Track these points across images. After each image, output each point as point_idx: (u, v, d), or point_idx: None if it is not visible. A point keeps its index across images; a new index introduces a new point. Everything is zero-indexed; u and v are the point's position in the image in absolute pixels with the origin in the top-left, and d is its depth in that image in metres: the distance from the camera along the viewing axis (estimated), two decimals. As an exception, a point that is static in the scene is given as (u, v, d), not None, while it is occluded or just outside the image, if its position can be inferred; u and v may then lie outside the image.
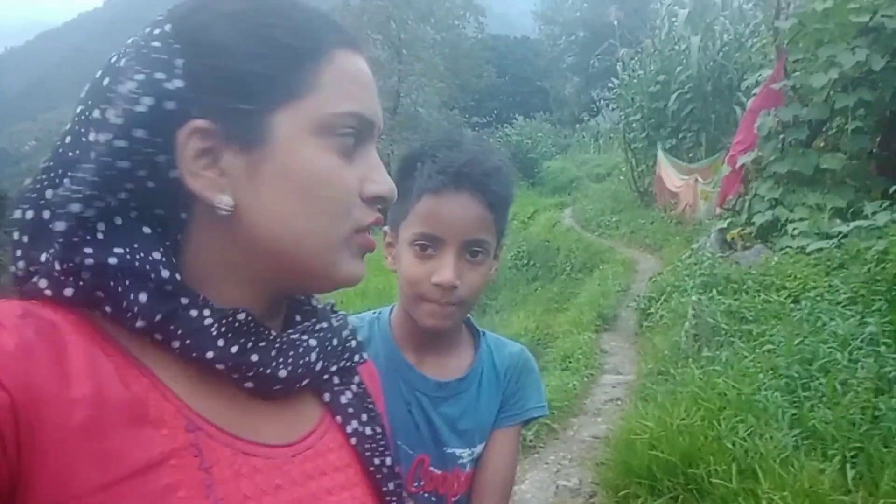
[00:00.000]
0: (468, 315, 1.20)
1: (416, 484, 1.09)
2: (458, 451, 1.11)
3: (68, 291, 0.53)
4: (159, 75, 0.55)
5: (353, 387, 0.72)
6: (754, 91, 8.27)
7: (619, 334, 7.07)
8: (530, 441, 4.20)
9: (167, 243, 0.58)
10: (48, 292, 0.53)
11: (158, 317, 0.55)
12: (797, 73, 7.06)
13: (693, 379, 3.96)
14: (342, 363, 0.70)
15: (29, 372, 0.47)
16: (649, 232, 11.87)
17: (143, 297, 0.54)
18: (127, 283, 0.54)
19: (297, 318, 0.71)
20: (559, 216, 15.85)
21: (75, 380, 0.49)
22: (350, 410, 0.70)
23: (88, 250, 0.53)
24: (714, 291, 5.65)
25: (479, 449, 1.13)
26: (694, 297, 5.54)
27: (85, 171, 0.54)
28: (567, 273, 11.52)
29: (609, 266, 10.05)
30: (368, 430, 0.70)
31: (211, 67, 0.57)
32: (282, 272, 0.62)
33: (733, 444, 3.07)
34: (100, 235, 0.54)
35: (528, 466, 3.92)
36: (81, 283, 0.53)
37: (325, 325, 0.68)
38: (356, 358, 0.72)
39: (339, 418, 0.69)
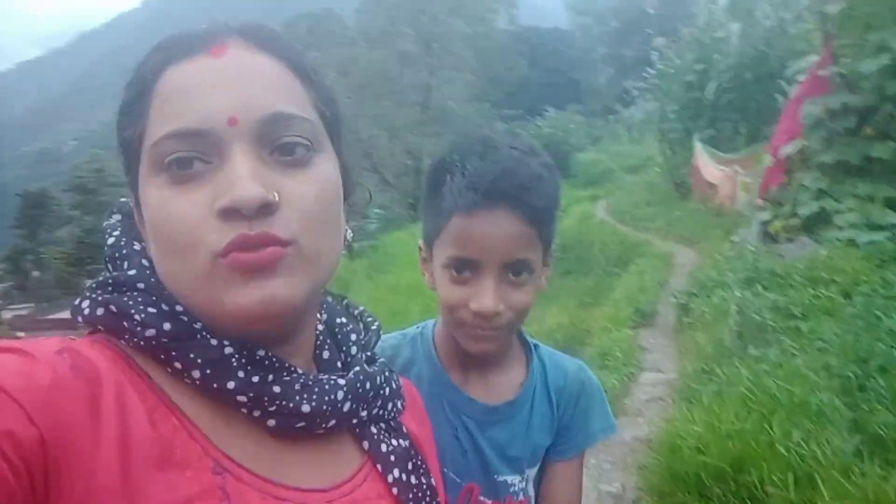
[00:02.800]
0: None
1: None
2: (509, 479, 1.01)
3: (99, 311, 0.57)
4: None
5: (400, 440, 0.69)
6: (798, 79, 7.97)
7: (658, 330, 6.86)
8: (569, 443, 4.06)
9: None
10: (86, 311, 0.58)
11: (167, 325, 0.56)
12: (845, 60, 6.77)
13: (741, 379, 3.78)
14: (375, 410, 0.67)
15: (61, 408, 0.47)
16: (686, 224, 11.61)
17: (151, 309, 0.56)
18: (139, 298, 0.57)
19: (325, 355, 0.68)
20: (592, 209, 15.60)
21: (104, 418, 0.49)
22: (392, 459, 0.67)
23: (112, 273, 0.60)
24: (758, 286, 5.44)
25: (529, 473, 1.03)
26: (737, 292, 5.34)
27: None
28: (602, 267, 11.29)
29: (645, 260, 9.82)
30: (413, 479, 0.67)
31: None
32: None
33: (787, 450, 2.90)
34: (125, 263, 0.61)
35: (567, 469, 3.79)
36: (101, 298, 0.57)
37: (357, 368, 0.66)
38: (389, 406, 0.69)
39: (379, 466, 0.66)
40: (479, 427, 1.01)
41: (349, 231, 0.68)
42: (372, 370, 0.68)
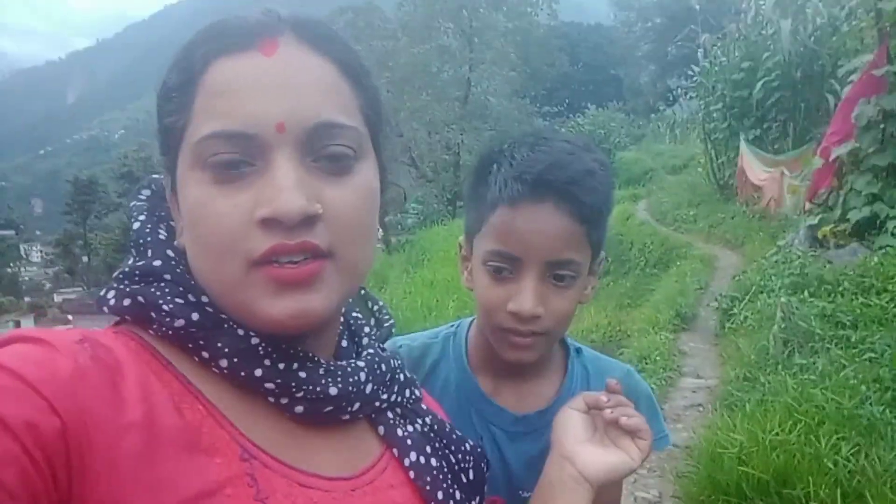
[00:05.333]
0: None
1: None
2: None
3: (126, 301, 0.57)
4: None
5: (417, 424, 0.69)
6: (851, 78, 7.71)
7: (699, 335, 6.73)
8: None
9: None
10: (112, 301, 0.57)
11: (195, 316, 0.56)
12: (902, 59, 6.53)
13: (786, 388, 3.68)
14: (393, 396, 0.67)
15: (82, 397, 0.47)
16: (730, 227, 11.35)
17: (179, 300, 0.56)
18: (166, 289, 0.57)
19: (343, 344, 0.69)
20: (633, 209, 15.36)
21: (128, 405, 0.49)
22: (408, 443, 0.66)
23: (140, 261, 0.60)
24: (805, 293, 5.29)
25: None
26: (783, 298, 5.20)
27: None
28: (641, 268, 11.14)
29: (687, 262, 9.64)
30: (434, 462, 0.66)
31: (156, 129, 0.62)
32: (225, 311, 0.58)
33: (835, 465, 2.81)
34: (149, 251, 0.60)
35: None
36: (129, 288, 0.57)
37: (371, 351, 0.67)
38: (407, 393, 0.70)
39: (395, 451, 0.65)
40: (509, 438, 0.95)
41: (380, 230, 0.69)
42: (385, 354, 0.69)
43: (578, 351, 1.03)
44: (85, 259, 49.06)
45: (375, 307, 0.77)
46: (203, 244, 0.56)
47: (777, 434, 3.12)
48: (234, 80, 0.55)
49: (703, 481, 3.16)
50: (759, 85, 12.17)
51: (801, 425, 3.15)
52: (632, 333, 6.93)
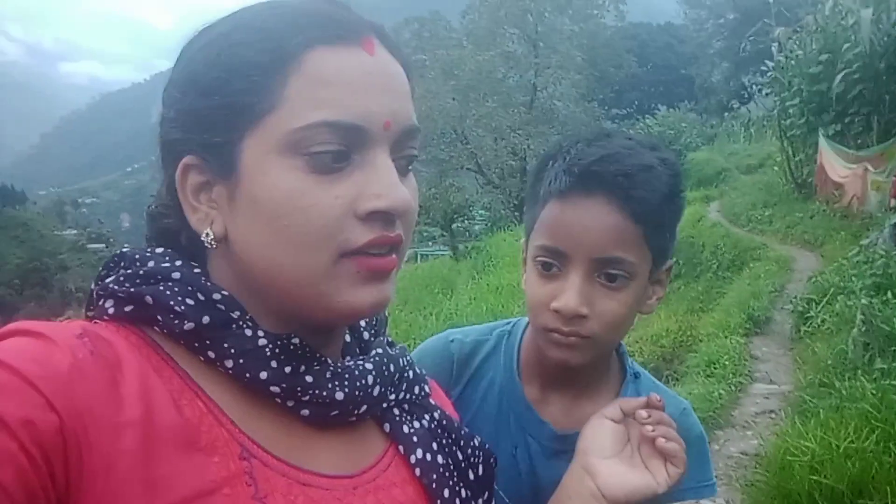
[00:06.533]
0: (621, 350, 0.97)
1: None
2: None
3: (128, 308, 0.56)
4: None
5: (424, 420, 0.67)
6: (939, 66, 7.25)
7: (773, 339, 6.45)
8: (670, 453, 3.89)
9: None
10: (111, 311, 0.56)
11: (206, 318, 0.55)
12: None
13: (864, 394, 3.49)
14: (401, 395, 0.66)
15: (81, 394, 0.47)
16: (808, 227, 10.84)
17: (189, 300, 0.56)
18: (175, 288, 0.56)
19: (347, 338, 0.68)
20: (705, 210, 14.86)
21: (127, 403, 0.49)
22: (414, 440, 0.65)
23: (141, 269, 0.58)
24: (889, 294, 4.99)
25: None
26: (864, 300, 4.92)
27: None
28: (713, 271, 10.75)
29: (761, 264, 9.25)
30: (440, 459, 0.65)
31: (190, 102, 0.57)
32: (278, 301, 0.58)
33: (916, 475, 2.63)
34: (150, 262, 0.59)
35: (667, 481, 3.62)
36: (133, 290, 0.56)
37: (379, 350, 0.66)
38: (416, 390, 0.68)
39: (401, 448, 0.65)
40: (544, 453, 0.91)
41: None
42: (394, 352, 0.67)
43: (637, 376, 0.97)
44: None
45: None
46: (292, 234, 0.54)
47: (852, 442, 2.95)
48: (344, 72, 0.55)
49: (773, 491, 3.02)
50: (838, 78, 11.59)
51: (879, 432, 2.97)
52: (703, 338, 6.70)
